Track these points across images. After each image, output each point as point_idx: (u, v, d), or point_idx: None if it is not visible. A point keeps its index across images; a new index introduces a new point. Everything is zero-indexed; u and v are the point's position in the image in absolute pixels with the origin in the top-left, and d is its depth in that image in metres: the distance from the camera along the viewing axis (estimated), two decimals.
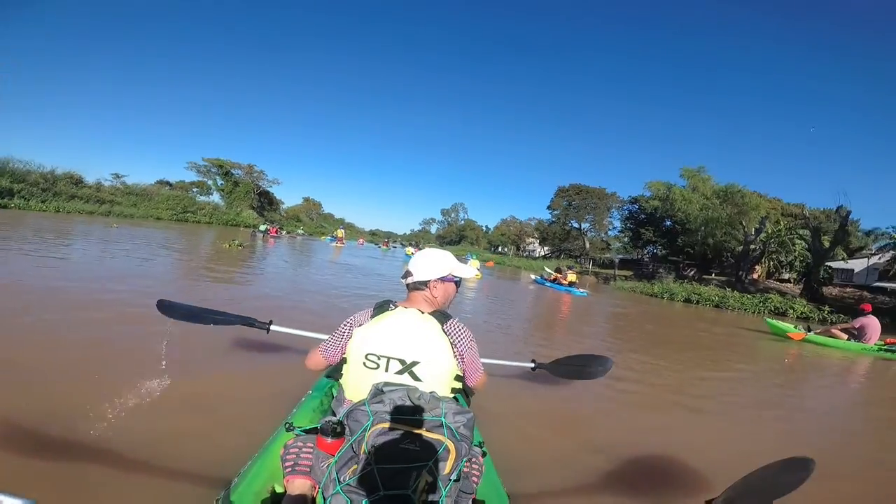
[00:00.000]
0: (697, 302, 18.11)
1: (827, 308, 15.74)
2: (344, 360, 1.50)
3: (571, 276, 16.43)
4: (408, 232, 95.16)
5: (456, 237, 74.36)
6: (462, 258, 26.86)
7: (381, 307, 1.51)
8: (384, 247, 35.31)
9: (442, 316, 1.49)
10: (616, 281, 26.90)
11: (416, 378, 1.39)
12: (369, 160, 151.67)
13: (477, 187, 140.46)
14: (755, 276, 25.92)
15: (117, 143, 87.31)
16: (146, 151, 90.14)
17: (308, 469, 1.23)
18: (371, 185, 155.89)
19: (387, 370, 1.39)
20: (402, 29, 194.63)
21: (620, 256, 40.02)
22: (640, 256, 41.92)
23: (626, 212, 42.92)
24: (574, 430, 2.99)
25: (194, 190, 42.61)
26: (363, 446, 1.12)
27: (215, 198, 43.42)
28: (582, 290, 15.60)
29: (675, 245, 34.80)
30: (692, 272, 30.20)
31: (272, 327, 2.58)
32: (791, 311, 15.83)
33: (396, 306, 1.51)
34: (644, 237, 38.86)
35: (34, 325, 3.56)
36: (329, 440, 1.19)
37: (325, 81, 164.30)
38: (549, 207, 48.04)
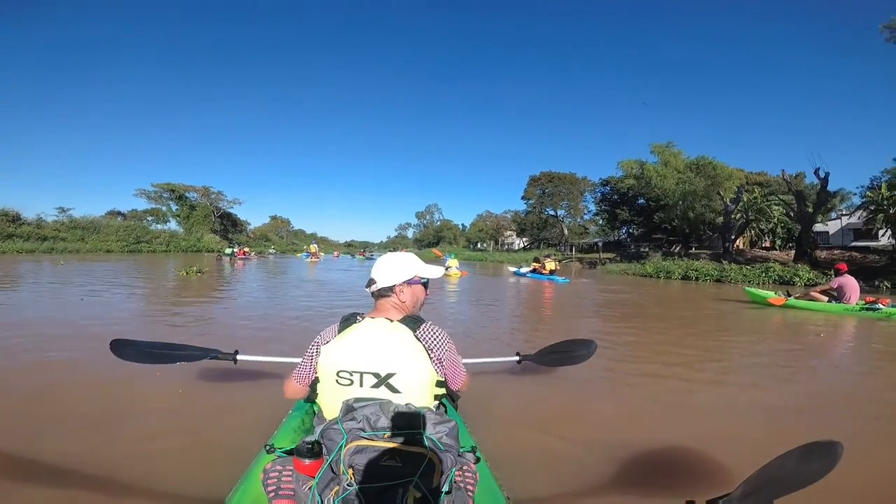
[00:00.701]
0: (696, 278, 17.84)
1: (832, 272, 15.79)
2: (317, 380, 1.44)
3: (550, 265, 16.16)
4: (384, 239, 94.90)
5: (433, 239, 73.73)
6: (440, 260, 27.77)
7: (348, 320, 1.44)
8: (360, 256, 36.16)
9: (413, 322, 1.42)
10: (605, 264, 26.62)
11: (393, 390, 1.32)
12: (336, 171, 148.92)
13: (449, 187, 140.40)
14: (738, 246, 26.30)
15: (58, 175, 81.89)
16: (91, 182, 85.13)
17: (292, 493, 1.18)
18: (341, 196, 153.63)
19: (361, 385, 1.33)
20: (358, 33, 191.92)
21: (601, 239, 40.30)
22: (617, 237, 42.31)
23: (599, 194, 43.39)
24: (571, 425, 2.85)
25: (149, 218, 40.83)
26: (341, 466, 1.07)
27: (172, 225, 41.11)
28: (563, 278, 15.40)
29: (652, 222, 35.16)
30: (677, 248, 30.44)
31: (239, 357, 2.56)
32: (797, 278, 15.65)
33: (363, 318, 1.44)
34: (620, 217, 39.17)
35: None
36: (307, 462, 1.14)
37: (281, 93, 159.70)
38: (523, 198, 47.95)
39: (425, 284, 1.61)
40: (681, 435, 2.61)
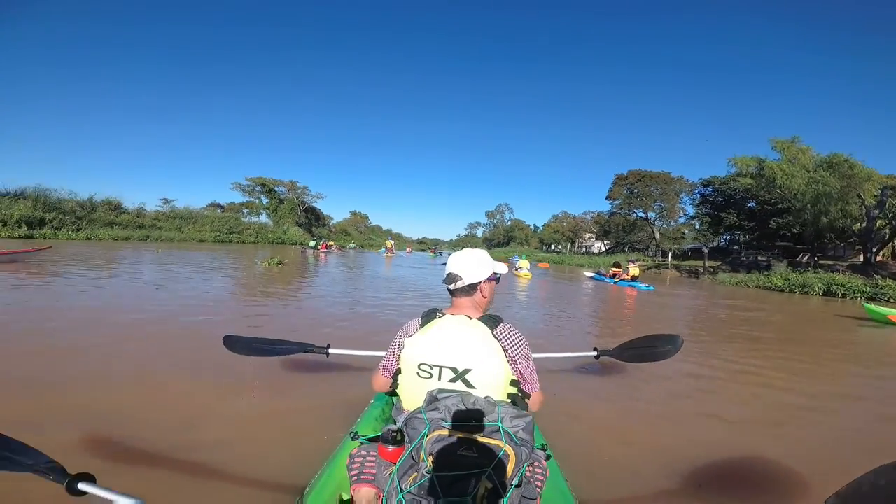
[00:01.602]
0: (843, 295, 14.83)
1: None
2: (399, 371, 1.49)
3: (634, 270, 15.24)
4: (454, 237, 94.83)
5: (504, 238, 72.27)
6: (508, 260, 27.35)
7: (429, 316, 1.48)
8: (431, 253, 36.51)
9: (491, 320, 1.44)
10: (715, 274, 23.38)
11: (469, 385, 1.36)
12: (411, 169, 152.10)
13: (521, 186, 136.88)
14: (879, 258, 21.85)
15: (166, 168, 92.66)
16: (196, 176, 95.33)
17: (372, 477, 1.26)
18: (415, 194, 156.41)
19: (439, 379, 1.38)
20: (429, 32, 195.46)
21: (702, 245, 36.35)
22: (718, 244, 37.63)
23: (699, 195, 38.88)
24: (649, 428, 2.73)
25: (244, 211, 43.71)
26: (422, 454, 1.12)
27: (263, 217, 44.22)
28: (647, 285, 14.48)
29: (767, 228, 30.55)
30: (804, 258, 26.03)
31: (331, 350, 2.78)
32: None
33: (443, 314, 1.48)
34: (726, 222, 34.73)
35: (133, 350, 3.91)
36: (390, 448, 1.21)
37: (362, 94, 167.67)
38: (608, 197, 44.36)
39: (497, 280, 1.62)
40: (766, 453, 2.48)
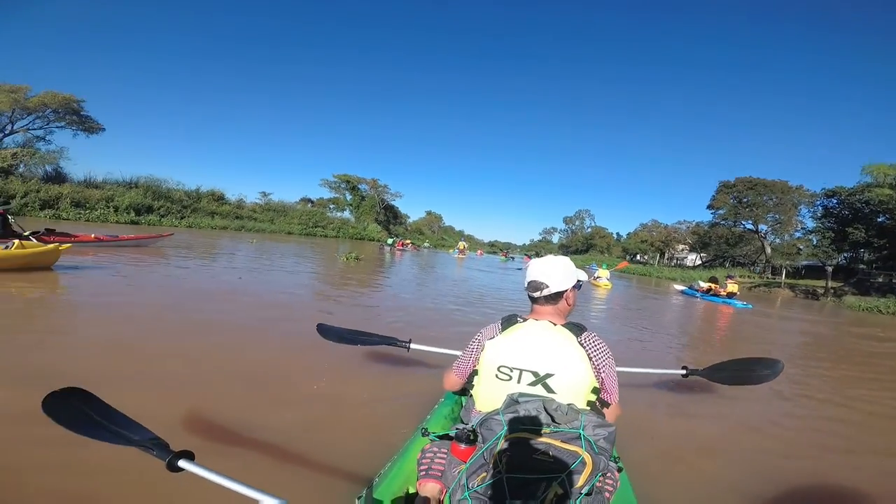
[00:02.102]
0: None
1: None
2: (475, 373, 1.53)
3: (732, 287, 14.27)
4: (527, 242, 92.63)
5: (582, 246, 68.82)
6: (586, 268, 26.33)
7: (510, 320, 1.51)
8: (503, 257, 36.21)
9: (576, 328, 1.45)
10: (840, 296, 20.03)
11: (549, 390, 1.37)
12: (488, 172, 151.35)
13: (604, 192, 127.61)
14: None
15: (264, 162, 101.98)
16: (292, 172, 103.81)
17: (440, 473, 1.29)
18: (489, 197, 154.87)
19: (519, 381, 1.39)
20: (512, 36, 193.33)
21: (809, 262, 31.66)
22: (838, 262, 32.12)
23: (820, 207, 33.57)
24: (732, 455, 2.61)
25: (332, 206, 46.54)
26: (495, 455, 1.13)
27: (347, 213, 46.84)
28: (744, 302, 13.54)
29: None
30: None
31: (411, 345, 2.93)
32: None
33: (525, 319, 1.50)
34: (851, 238, 29.57)
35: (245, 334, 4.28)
36: (462, 447, 1.23)
37: (444, 96, 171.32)
38: (710, 206, 39.96)
39: (579, 287, 1.62)
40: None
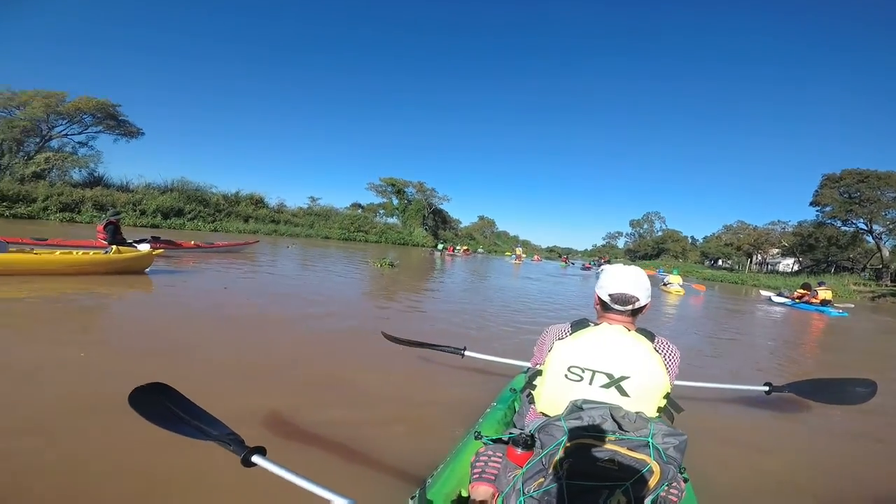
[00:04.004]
0: None
1: None
2: (537, 373, 1.52)
3: (824, 293, 13.39)
4: (589, 247, 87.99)
5: (652, 251, 63.68)
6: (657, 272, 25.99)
7: (581, 323, 1.50)
8: (563, 262, 35.30)
9: (649, 334, 1.45)
10: None
11: (623, 393, 1.36)
12: (542, 175, 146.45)
13: (676, 194, 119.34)
14: None
15: (316, 169, 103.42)
16: (340, 176, 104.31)
17: (493, 477, 1.31)
18: (545, 201, 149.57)
19: (591, 383, 1.39)
20: (583, 39, 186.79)
21: None
22: None
23: None
24: (812, 474, 2.54)
25: (381, 211, 46.34)
26: (555, 461, 1.13)
27: (395, 219, 46.33)
28: (840, 310, 13.03)
29: None
30: None
31: (466, 353, 3.21)
32: None
33: (597, 323, 1.50)
34: None
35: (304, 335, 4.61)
36: (519, 451, 1.23)
37: (490, 98, 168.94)
38: (814, 203, 34.54)
39: None
40: None
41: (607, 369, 1.36)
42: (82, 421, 2.22)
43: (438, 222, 50.88)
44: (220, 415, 1.51)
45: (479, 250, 43.18)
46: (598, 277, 1.60)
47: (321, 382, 3.14)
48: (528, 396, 1.54)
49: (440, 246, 31.25)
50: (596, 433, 1.14)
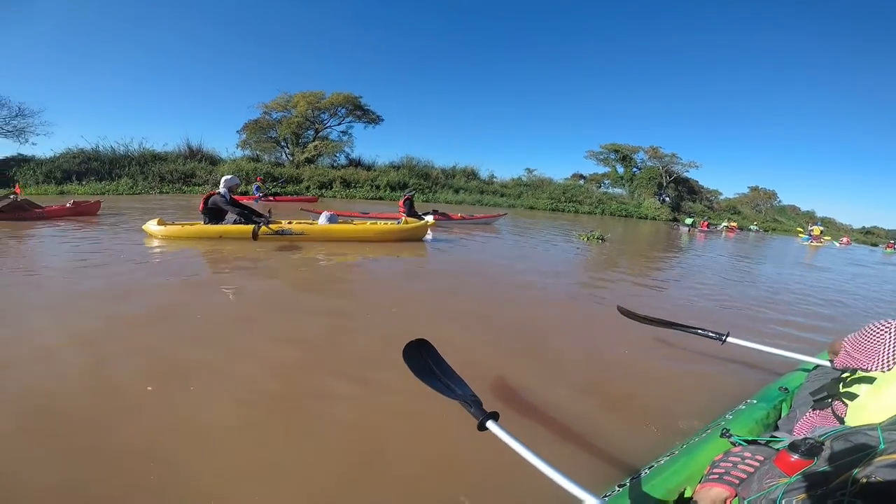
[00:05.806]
0: None
1: None
2: (852, 379, 1.41)
3: None
4: None
5: None
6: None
7: None
8: (888, 249, 29.27)
9: None
10: None
11: None
12: (842, 139, 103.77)
13: None
14: None
15: (528, 140, 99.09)
16: (561, 147, 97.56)
17: (738, 481, 1.20)
18: (851, 169, 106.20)
19: None
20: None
21: None
22: None
23: None
24: None
25: (606, 182, 42.40)
26: (850, 475, 0.94)
27: (620, 189, 41.50)
28: None
29: None
30: None
31: (728, 339, 2.73)
32: None
33: None
34: None
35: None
36: (793, 458, 1.09)
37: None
38: None
39: None
40: None
41: None
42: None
43: (683, 192, 42.20)
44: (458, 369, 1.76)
45: (753, 227, 35.79)
46: None
47: (541, 349, 3.17)
48: (819, 401, 1.40)
49: (689, 220, 26.34)
50: None
